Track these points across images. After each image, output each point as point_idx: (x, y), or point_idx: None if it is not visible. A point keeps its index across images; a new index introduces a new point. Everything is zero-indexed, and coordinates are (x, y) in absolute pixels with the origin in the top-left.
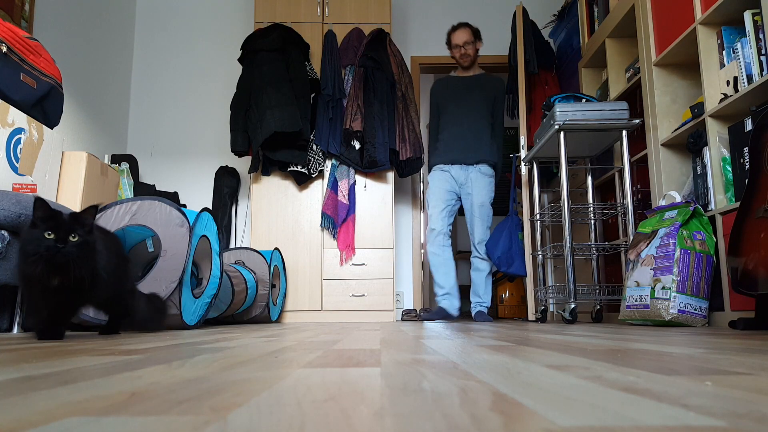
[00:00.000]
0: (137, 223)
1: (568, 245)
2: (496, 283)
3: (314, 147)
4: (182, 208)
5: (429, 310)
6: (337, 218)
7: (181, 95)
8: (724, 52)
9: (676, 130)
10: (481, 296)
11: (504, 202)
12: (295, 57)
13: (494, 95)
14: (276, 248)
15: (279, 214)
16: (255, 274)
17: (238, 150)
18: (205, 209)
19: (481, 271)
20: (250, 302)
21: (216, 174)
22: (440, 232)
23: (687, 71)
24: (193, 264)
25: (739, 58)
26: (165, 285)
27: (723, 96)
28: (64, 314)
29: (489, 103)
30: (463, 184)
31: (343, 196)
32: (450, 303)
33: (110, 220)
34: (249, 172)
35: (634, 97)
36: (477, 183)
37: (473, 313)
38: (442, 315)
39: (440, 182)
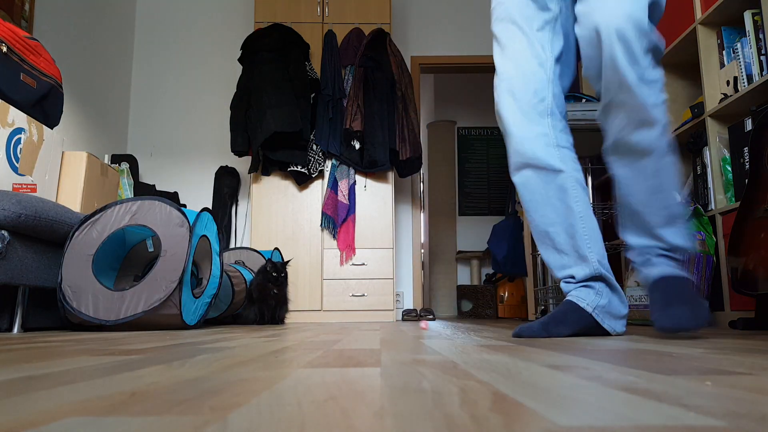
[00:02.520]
0: (137, 223)
1: None
2: (495, 283)
3: (314, 147)
4: (182, 208)
5: (430, 311)
6: (337, 218)
7: (181, 95)
8: (724, 52)
9: (676, 130)
10: (658, 229)
11: (504, 201)
12: (295, 57)
13: None
14: (276, 248)
15: (279, 214)
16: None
17: (238, 150)
18: (205, 209)
19: (640, 154)
20: None
21: (216, 174)
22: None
23: (687, 71)
24: (193, 264)
25: (739, 58)
26: (165, 285)
27: (723, 96)
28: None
29: None
30: None
31: (343, 196)
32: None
33: (110, 220)
34: (249, 172)
35: None
36: None
37: (648, 278)
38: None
39: None
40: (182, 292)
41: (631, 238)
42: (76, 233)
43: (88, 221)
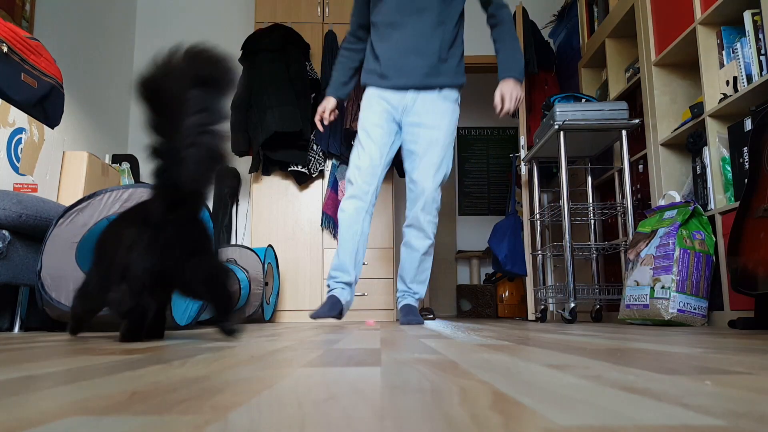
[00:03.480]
0: None
1: (567, 245)
2: (495, 283)
3: (314, 147)
4: None
5: (430, 310)
6: (338, 218)
7: None
8: (723, 52)
9: (675, 130)
10: (408, 283)
11: (504, 201)
12: (295, 57)
13: None
14: (269, 245)
15: (279, 214)
16: (248, 272)
17: (238, 150)
18: None
19: (414, 249)
20: (243, 302)
21: (216, 174)
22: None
23: (687, 71)
24: None
25: (738, 58)
26: None
27: (722, 96)
28: None
29: None
30: (407, 111)
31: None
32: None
33: (98, 208)
34: (249, 172)
35: (633, 97)
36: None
37: (398, 307)
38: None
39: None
40: None
41: (401, 285)
42: (61, 220)
43: (75, 208)
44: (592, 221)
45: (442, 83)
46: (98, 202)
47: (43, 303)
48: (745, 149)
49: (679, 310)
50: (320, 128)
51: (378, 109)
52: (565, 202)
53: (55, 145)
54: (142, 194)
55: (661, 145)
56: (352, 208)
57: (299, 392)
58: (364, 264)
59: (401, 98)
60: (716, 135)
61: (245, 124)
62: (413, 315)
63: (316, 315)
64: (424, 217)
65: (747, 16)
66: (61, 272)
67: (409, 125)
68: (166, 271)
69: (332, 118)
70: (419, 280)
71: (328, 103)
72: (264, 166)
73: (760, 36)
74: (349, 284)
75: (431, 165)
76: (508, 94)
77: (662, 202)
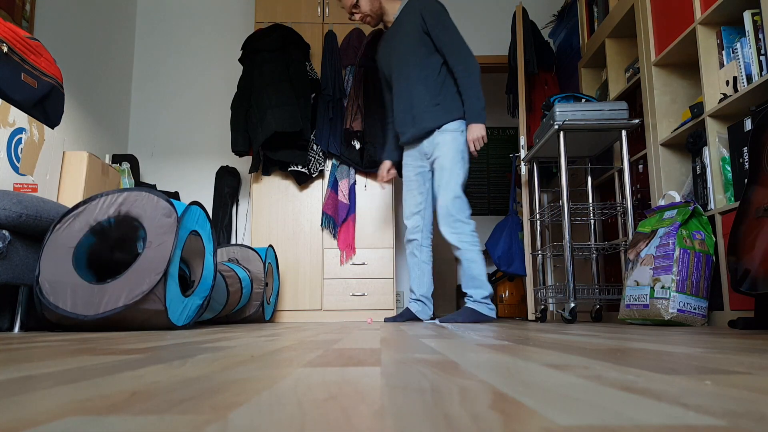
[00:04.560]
0: (122, 214)
1: (567, 245)
2: (495, 283)
3: (314, 147)
4: (171, 199)
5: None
6: (338, 218)
7: (182, 95)
8: (723, 52)
9: (675, 130)
10: (464, 289)
11: (504, 201)
12: (295, 57)
13: (418, 22)
14: (270, 245)
15: (279, 214)
16: (249, 272)
17: (238, 150)
18: (195, 203)
19: (461, 260)
20: (245, 301)
21: (216, 174)
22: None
23: (686, 71)
24: (185, 263)
25: (738, 58)
26: (149, 277)
27: (722, 96)
28: None
29: (418, 39)
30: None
31: (343, 196)
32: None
33: (94, 212)
34: (249, 172)
35: (633, 97)
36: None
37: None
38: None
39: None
40: (167, 285)
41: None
42: (58, 226)
43: (71, 213)
44: (592, 221)
45: (438, 123)
46: (94, 206)
47: (42, 308)
48: (745, 149)
49: (679, 310)
50: (382, 187)
51: (407, 162)
52: (565, 202)
53: (55, 145)
54: (137, 197)
55: (661, 145)
56: (408, 249)
57: (299, 392)
58: (364, 264)
59: (419, 148)
60: (716, 135)
61: (245, 124)
62: (463, 315)
63: (388, 319)
64: (445, 230)
65: (747, 16)
66: (59, 277)
67: (432, 164)
68: None
69: (390, 177)
70: (472, 285)
71: (384, 166)
72: (264, 166)
73: (760, 36)
74: (417, 300)
75: (440, 186)
76: (474, 137)
77: (662, 202)
